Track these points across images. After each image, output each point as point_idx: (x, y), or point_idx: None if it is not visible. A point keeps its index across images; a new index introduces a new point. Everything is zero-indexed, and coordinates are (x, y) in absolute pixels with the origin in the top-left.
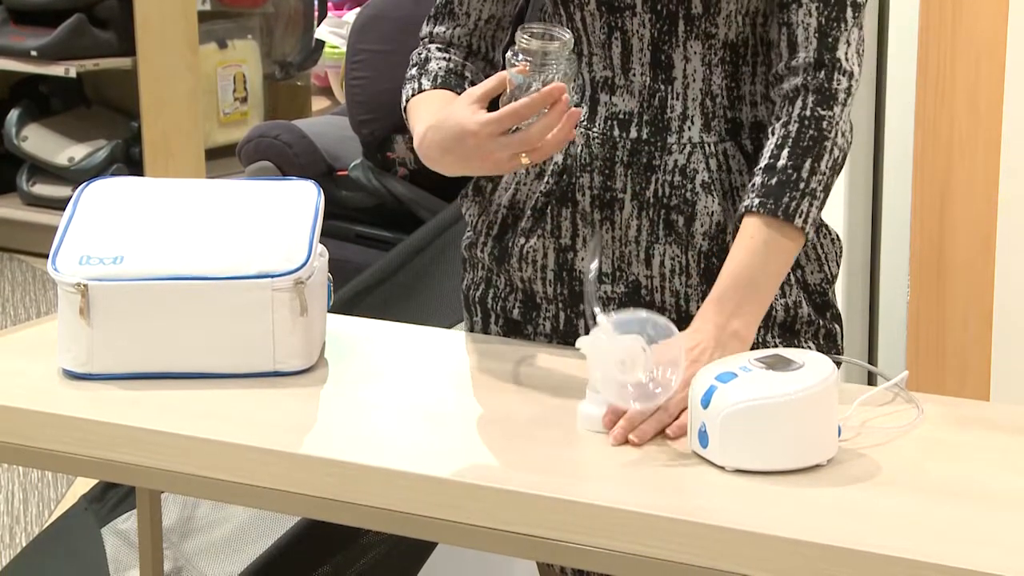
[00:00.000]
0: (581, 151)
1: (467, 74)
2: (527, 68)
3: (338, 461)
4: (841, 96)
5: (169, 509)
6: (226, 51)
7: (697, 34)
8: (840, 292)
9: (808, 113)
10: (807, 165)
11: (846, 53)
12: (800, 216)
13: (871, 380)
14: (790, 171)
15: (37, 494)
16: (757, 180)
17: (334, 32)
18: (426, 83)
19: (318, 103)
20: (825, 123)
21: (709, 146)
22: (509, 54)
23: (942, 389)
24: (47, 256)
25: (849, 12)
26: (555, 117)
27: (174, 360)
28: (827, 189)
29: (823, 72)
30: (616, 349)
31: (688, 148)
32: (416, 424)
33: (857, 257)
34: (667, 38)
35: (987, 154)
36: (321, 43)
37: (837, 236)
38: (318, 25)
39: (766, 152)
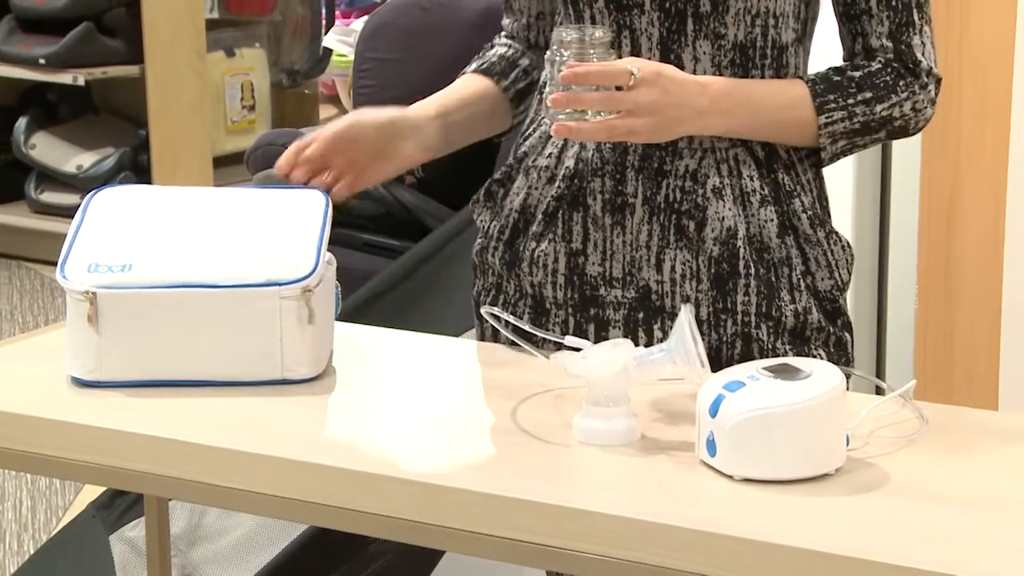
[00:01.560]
0: (592, 155)
1: (522, 62)
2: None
3: (346, 469)
4: (924, 79)
5: (177, 517)
6: (234, 59)
7: (706, 33)
8: (848, 300)
9: (893, 67)
10: (867, 95)
11: (923, 52)
12: (826, 118)
13: (880, 389)
14: (851, 87)
15: (45, 501)
16: (824, 71)
17: (341, 40)
18: (474, 65)
19: (325, 111)
20: (903, 84)
21: (720, 151)
22: (548, 53)
23: (950, 398)
24: (55, 264)
25: (916, 14)
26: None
27: (182, 368)
28: (863, 131)
29: (905, 67)
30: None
31: (699, 153)
32: (423, 432)
33: (865, 265)
34: (676, 37)
35: (994, 162)
36: (328, 51)
37: (848, 243)
38: (326, 33)
39: (844, 63)
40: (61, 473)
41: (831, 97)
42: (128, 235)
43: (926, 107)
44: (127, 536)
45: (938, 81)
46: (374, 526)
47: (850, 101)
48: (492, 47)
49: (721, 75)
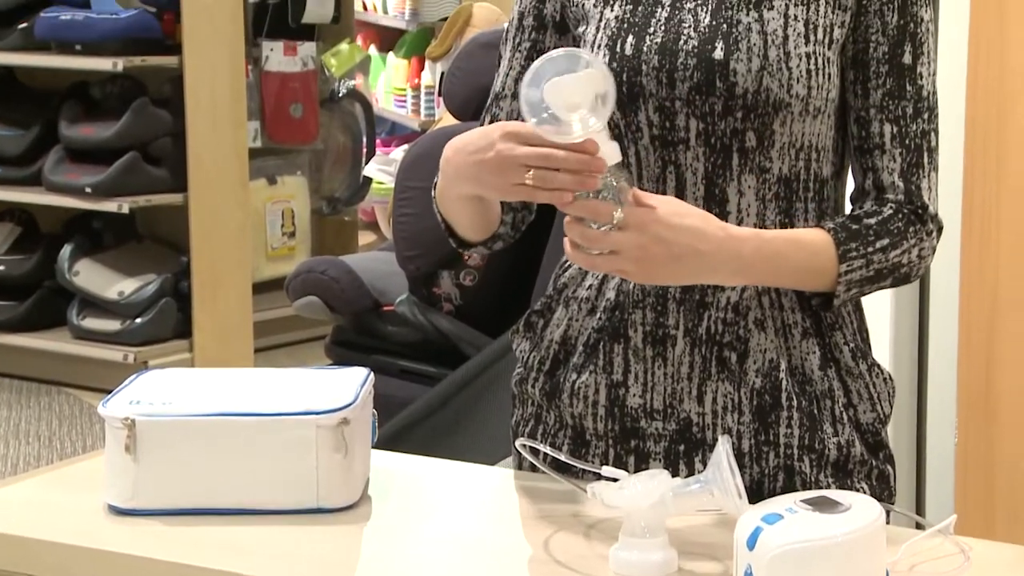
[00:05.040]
0: (633, 287)
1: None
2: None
3: None
4: (930, 226)
5: None
6: (275, 187)
7: (751, 168)
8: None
9: (903, 214)
10: (884, 242)
11: (929, 197)
12: (847, 265)
13: (920, 525)
14: (870, 235)
15: None
16: (840, 219)
17: (382, 169)
18: None
19: (364, 238)
20: (912, 230)
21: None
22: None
23: (991, 534)
24: (95, 389)
25: (926, 157)
26: (577, 162)
27: (218, 496)
28: (876, 278)
29: (914, 212)
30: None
31: (741, 285)
32: (458, 561)
33: (904, 397)
34: (721, 172)
35: None
36: (368, 179)
37: (889, 376)
38: (366, 162)
39: (855, 209)
40: None
41: (852, 246)
42: (172, 390)
43: (928, 255)
44: None
45: (940, 229)
46: None
47: (869, 249)
48: None
49: (766, 208)
